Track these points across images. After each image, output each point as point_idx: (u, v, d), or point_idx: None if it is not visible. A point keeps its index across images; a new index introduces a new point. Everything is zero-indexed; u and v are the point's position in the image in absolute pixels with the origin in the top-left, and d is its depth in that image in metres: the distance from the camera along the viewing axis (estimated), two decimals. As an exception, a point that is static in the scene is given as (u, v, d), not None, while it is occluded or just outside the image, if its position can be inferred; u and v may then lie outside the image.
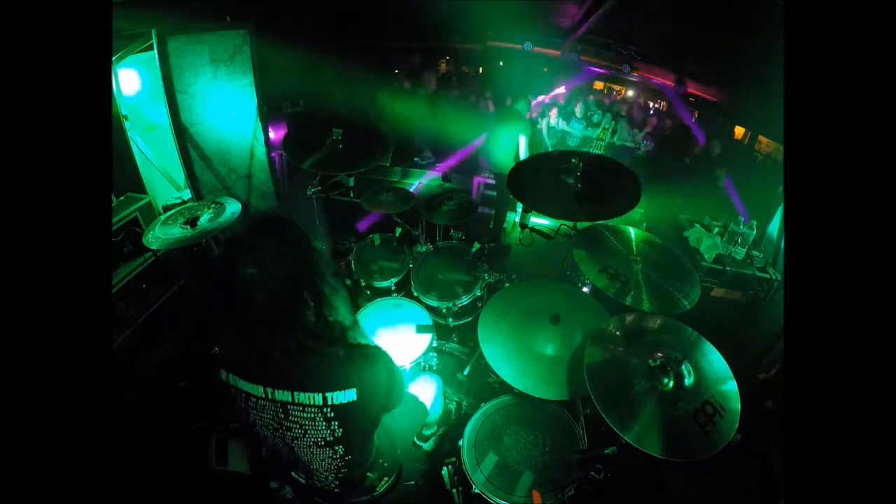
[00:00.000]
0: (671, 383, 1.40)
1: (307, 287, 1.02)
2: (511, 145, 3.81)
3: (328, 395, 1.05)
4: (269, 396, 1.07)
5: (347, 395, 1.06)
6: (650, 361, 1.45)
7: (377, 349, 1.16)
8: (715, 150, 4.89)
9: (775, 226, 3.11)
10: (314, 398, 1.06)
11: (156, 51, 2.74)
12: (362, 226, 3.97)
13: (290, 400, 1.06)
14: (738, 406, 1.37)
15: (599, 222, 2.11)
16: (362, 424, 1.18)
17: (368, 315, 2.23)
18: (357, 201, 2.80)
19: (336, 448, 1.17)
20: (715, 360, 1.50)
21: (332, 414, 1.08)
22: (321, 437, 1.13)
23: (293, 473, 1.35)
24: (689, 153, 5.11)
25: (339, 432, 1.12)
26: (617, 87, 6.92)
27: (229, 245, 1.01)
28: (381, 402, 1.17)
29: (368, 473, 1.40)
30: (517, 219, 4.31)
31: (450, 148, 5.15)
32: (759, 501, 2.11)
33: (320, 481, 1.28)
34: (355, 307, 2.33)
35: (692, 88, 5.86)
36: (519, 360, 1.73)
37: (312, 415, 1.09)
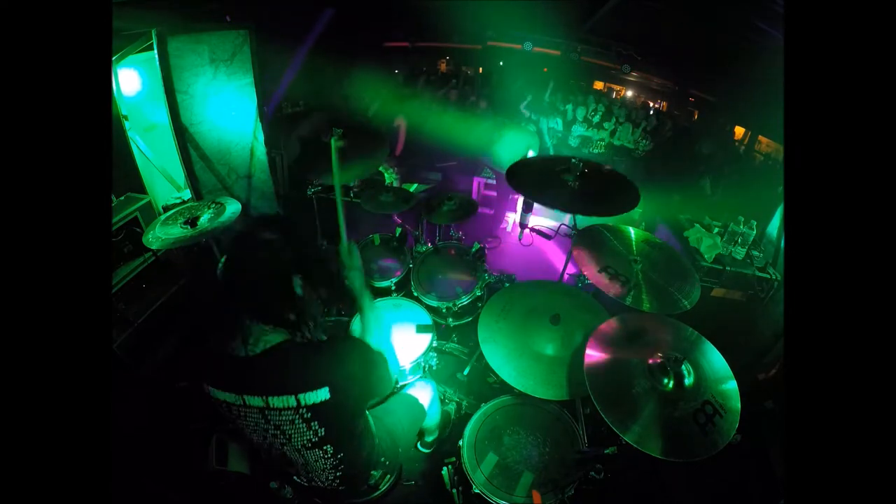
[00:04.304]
0: (671, 383, 1.40)
1: (304, 274, 1.09)
2: (518, 151, 3.86)
3: (300, 396, 1.03)
4: (245, 403, 1.05)
5: (320, 395, 1.04)
6: (650, 361, 1.45)
7: (348, 341, 1.20)
8: (703, 149, 4.87)
9: (775, 226, 3.10)
10: (287, 401, 1.04)
11: (156, 51, 2.74)
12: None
13: (264, 405, 1.05)
14: (738, 406, 1.37)
15: (599, 221, 2.10)
16: (343, 420, 1.17)
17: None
18: (357, 201, 2.80)
19: (325, 448, 1.16)
20: (715, 360, 1.50)
21: (309, 415, 1.06)
22: (306, 440, 1.12)
23: (295, 477, 1.35)
24: (689, 153, 5.11)
25: (321, 432, 1.11)
26: (617, 87, 6.92)
27: (248, 226, 1.10)
28: (358, 394, 1.15)
29: (372, 471, 1.40)
30: (517, 219, 4.32)
31: (453, 153, 5.12)
32: (759, 501, 2.11)
33: (321, 481, 1.27)
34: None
35: (692, 89, 5.85)
36: (519, 360, 1.73)
37: (290, 417, 1.06)
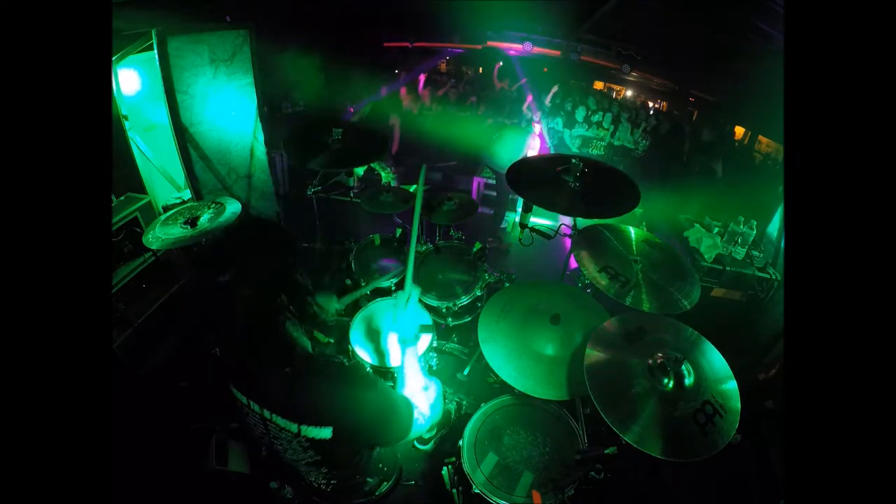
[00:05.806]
0: (671, 383, 1.39)
1: (287, 294, 0.97)
2: (517, 151, 3.88)
3: (302, 427, 1.00)
4: (251, 407, 1.05)
5: (322, 433, 1.00)
6: (650, 361, 1.45)
7: (371, 388, 1.07)
8: (704, 137, 4.89)
9: (775, 226, 3.11)
10: (289, 425, 1.01)
11: (156, 51, 2.74)
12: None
13: (268, 417, 1.03)
14: (738, 406, 1.37)
15: (599, 221, 2.10)
16: (341, 455, 1.14)
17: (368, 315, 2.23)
18: (357, 201, 2.80)
19: (320, 469, 1.15)
20: (715, 360, 1.50)
21: (307, 444, 1.04)
22: (301, 458, 1.11)
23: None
24: (688, 151, 5.12)
25: (317, 458, 1.09)
26: (617, 88, 6.92)
27: (203, 252, 0.98)
28: (363, 439, 1.11)
29: (368, 479, 1.40)
30: (517, 219, 4.32)
31: (453, 153, 5.12)
32: (759, 501, 2.11)
33: (315, 485, 1.27)
34: (355, 307, 2.33)
35: (692, 89, 5.85)
36: (519, 360, 1.73)
37: (289, 438, 1.05)
